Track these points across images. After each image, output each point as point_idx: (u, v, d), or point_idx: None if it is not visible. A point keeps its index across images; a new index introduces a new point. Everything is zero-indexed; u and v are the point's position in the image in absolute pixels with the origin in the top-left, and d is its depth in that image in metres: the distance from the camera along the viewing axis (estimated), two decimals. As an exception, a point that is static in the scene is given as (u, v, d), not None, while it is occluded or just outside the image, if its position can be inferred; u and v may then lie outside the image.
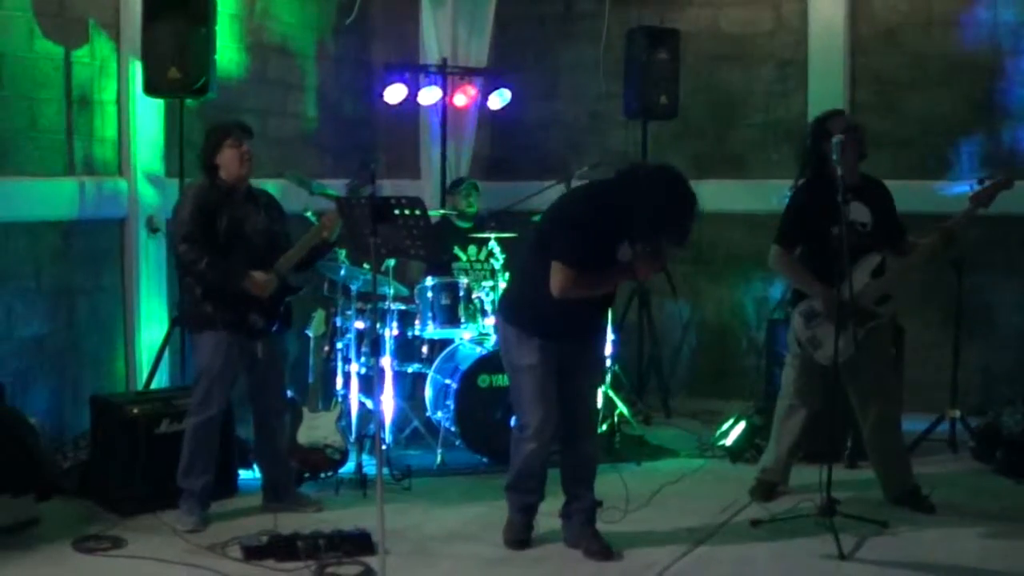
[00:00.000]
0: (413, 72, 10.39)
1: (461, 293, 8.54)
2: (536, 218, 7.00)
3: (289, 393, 7.55)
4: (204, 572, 6.16)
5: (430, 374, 8.63)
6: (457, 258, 9.39)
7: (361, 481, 7.61)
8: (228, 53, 9.10)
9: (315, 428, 7.72)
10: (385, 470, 7.44)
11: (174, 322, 8.24)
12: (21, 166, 7.72)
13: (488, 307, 8.47)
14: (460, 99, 10.52)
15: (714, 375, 10.75)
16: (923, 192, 9.34)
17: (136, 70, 8.17)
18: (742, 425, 8.67)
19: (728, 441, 8.67)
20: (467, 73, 10.59)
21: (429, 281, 8.62)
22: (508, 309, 6.66)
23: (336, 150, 10.36)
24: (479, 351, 8.34)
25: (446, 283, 8.62)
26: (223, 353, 6.88)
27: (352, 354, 8.44)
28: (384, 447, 7.31)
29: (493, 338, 8.19)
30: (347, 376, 8.41)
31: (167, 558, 6.35)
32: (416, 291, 8.68)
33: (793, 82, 10.38)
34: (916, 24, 9.99)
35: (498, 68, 10.93)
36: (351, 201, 6.24)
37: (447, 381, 8.39)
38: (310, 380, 7.95)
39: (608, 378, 9.02)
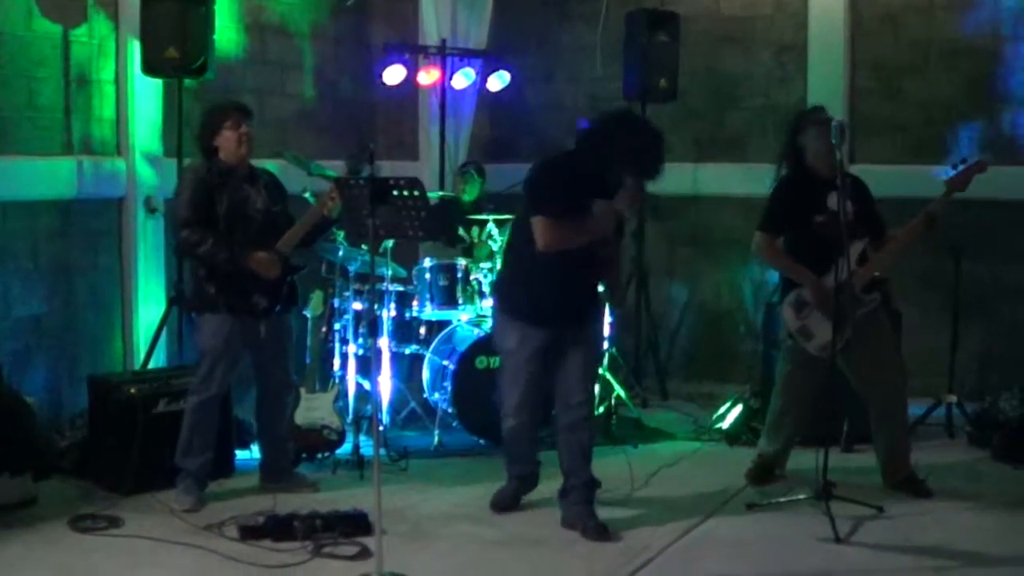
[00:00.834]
0: (412, 53, 10.38)
1: (459, 274, 8.54)
2: None
3: (288, 374, 7.57)
4: (201, 551, 6.17)
5: (428, 355, 8.63)
6: (463, 239, 9.39)
7: (358, 462, 7.62)
8: (227, 33, 9.09)
9: (312, 409, 7.73)
10: (382, 451, 7.43)
11: (172, 302, 8.24)
12: (19, 145, 7.71)
13: (486, 289, 8.47)
14: (459, 81, 10.51)
15: (711, 358, 10.75)
16: (923, 177, 9.32)
17: (134, 50, 8.16)
18: (739, 408, 8.69)
19: (725, 424, 8.69)
20: (466, 55, 10.58)
21: (427, 262, 8.61)
22: (497, 295, 6.96)
23: (335, 131, 10.34)
24: (477, 333, 8.35)
25: (444, 264, 8.61)
26: (225, 334, 6.88)
27: (350, 335, 8.44)
28: (381, 428, 7.31)
29: (491, 320, 8.20)
30: (344, 357, 8.42)
31: (164, 537, 6.35)
32: (414, 272, 8.68)
33: (793, 66, 10.36)
34: (917, 9, 9.96)
35: (497, 50, 10.91)
36: (350, 181, 6.23)
37: (444, 362, 8.39)
38: (308, 361, 7.95)
39: (606, 361, 9.04)
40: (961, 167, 7.19)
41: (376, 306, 8.29)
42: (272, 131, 9.34)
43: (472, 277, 8.52)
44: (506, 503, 6.97)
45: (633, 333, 10.21)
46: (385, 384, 8.30)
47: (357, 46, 10.74)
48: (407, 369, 9.11)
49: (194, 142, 7.12)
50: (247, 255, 6.80)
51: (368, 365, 8.06)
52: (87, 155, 8.15)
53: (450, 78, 10.46)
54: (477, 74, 10.58)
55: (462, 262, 8.61)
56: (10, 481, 6.67)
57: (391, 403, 8.51)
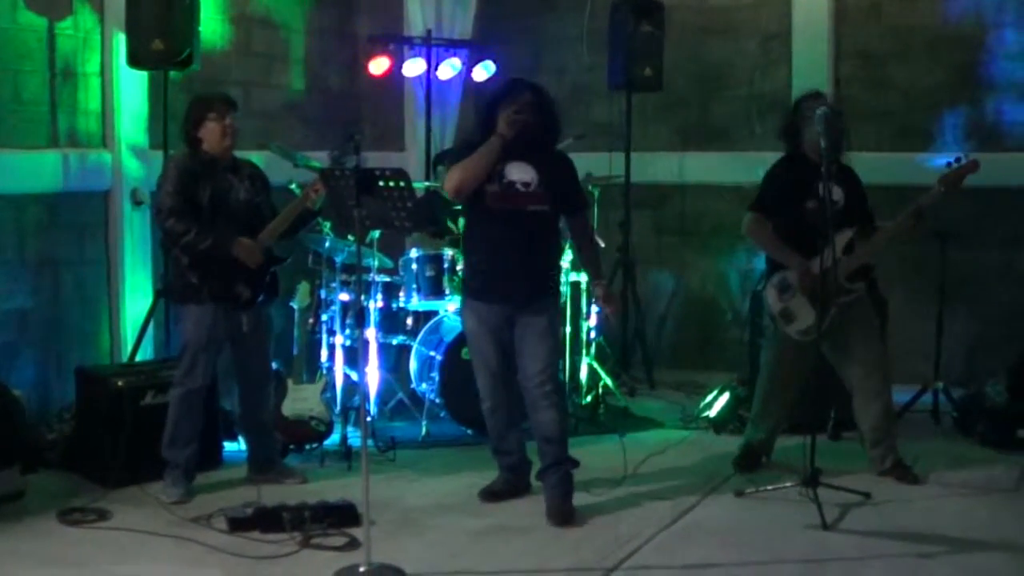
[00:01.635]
0: (397, 44, 10.37)
1: (446, 265, 8.54)
2: None
3: (274, 365, 7.55)
4: (189, 544, 6.17)
5: (415, 346, 8.63)
6: (451, 230, 9.38)
7: (346, 453, 7.62)
8: (212, 25, 9.08)
9: (300, 400, 7.73)
10: (370, 442, 7.46)
11: (158, 294, 8.24)
12: (4, 138, 7.70)
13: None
14: (445, 71, 10.50)
15: (699, 346, 10.79)
16: (907, 164, 9.37)
17: (120, 42, 8.14)
18: (726, 396, 8.70)
19: (712, 412, 8.70)
20: (452, 45, 10.57)
21: (414, 253, 8.62)
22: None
23: (320, 122, 10.33)
24: (463, 323, 8.34)
25: (431, 255, 8.61)
26: (208, 325, 6.87)
27: (337, 326, 8.45)
28: (369, 419, 7.30)
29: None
30: (332, 348, 8.42)
31: (152, 530, 6.35)
32: (400, 263, 8.69)
33: (777, 55, 10.38)
34: (900, -4, 10.02)
35: (482, 40, 10.91)
36: (335, 173, 6.23)
37: (432, 353, 8.40)
38: (295, 352, 7.95)
39: (592, 349, 9.06)
40: (955, 166, 7.21)
41: (363, 297, 8.29)
42: (258, 123, 9.34)
43: (459, 267, 8.51)
44: (495, 494, 6.98)
45: (620, 322, 10.22)
46: (372, 375, 8.30)
47: (342, 37, 10.74)
48: (394, 360, 9.11)
49: (179, 133, 7.11)
50: (232, 241, 6.79)
51: (355, 356, 8.06)
52: (73, 148, 8.14)
53: (435, 69, 10.45)
54: (463, 64, 10.58)
55: (449, 252, 8.60)
56: (-2, 475, 6.68)
57: (379, 394, 8.51)
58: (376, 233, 8.24)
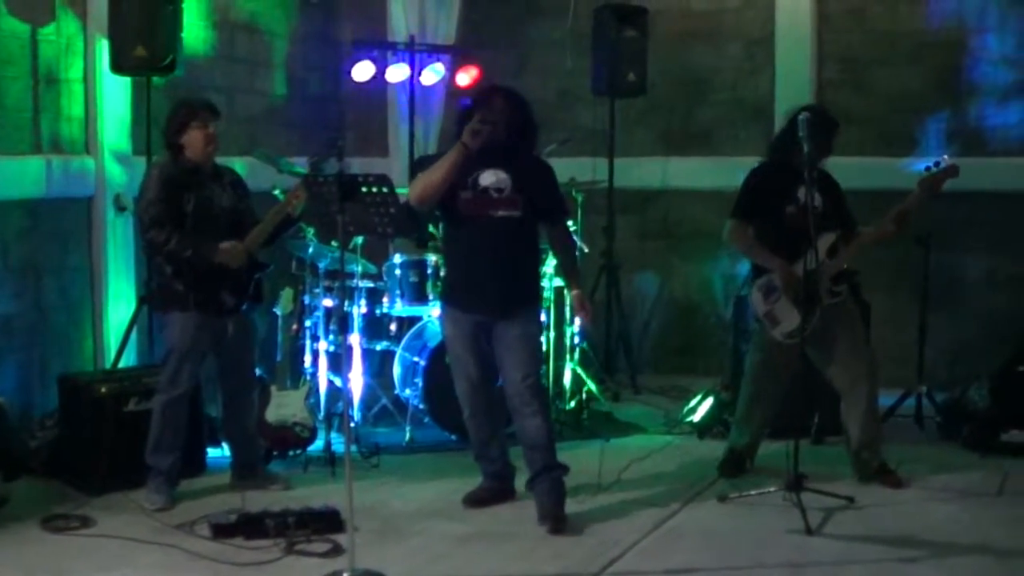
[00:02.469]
0: (381, 50, 10.36)
1: (429, 270, 8.54)
2: None
3: (257, 371, 7.54)
4: (173, 550, 6.16)
5: (398, 352, 8.63)
6: (433, 236, 9.37)
7: (330, 459, 7.61)
8: (195, 31, 9.06)
9: (283, 406, 7.71)
10: (354, 448, 7.44)
11: (142, 300, 8.22)
12: (-13, 145, 7.69)
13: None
14: (428, 77, 10.50)
15: (682, 351, 10.80)
16: (890, 169, 9.39)
17: (103, 48, 8.13)
18: (710, 401, 8.72)
19: (696, 417, 8.71)
20: (435, 51, 10.57)
21: (398, 258, 8.61)
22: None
23: (304, 128, 10.33)
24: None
25: (414, 260, 8.61)
26: (192, 331, 6.86)
27: (320, 332, 8.44)
28: (352, 425, 7.31)
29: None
30: (315, 354, 8.41)
31: (136, 537, 6.34)
32: (384, 268, 8.68)
33: (761, 60, 10.41)
34: (882, 1, 10.04)
35: (466, 45, 10.90)
36: (317, 179, 6.22)
37: (415, 359, 8.39)
38: (278, 358, 7.95)
39: (576, 355, 9.07)
40: (935, 170, 7.23)
41: (346, 303, 8.30)
42: (241, 128, 9.34)
43: (442, 273, 8.51)
44: (478, 500, 6.98)
45: (604, 327, 10.23)
46: (356, 381, 8.29)
47: (326, 43, 10.75)
48: (378, 365, 9.11)
49: (161, 139, 7.10)
50: (212, 250, 6.78)
51: (339, 362, 8.07)
52: (56, 154, 8.12)
53: (419, 74, 10.44)
54: (446, 70, 10.57)
55: (432, 258, 8.59)
56: (-19, 481, 6.66)
57: (362, 399, 8.50)
58: (360, 239, 8.23)
